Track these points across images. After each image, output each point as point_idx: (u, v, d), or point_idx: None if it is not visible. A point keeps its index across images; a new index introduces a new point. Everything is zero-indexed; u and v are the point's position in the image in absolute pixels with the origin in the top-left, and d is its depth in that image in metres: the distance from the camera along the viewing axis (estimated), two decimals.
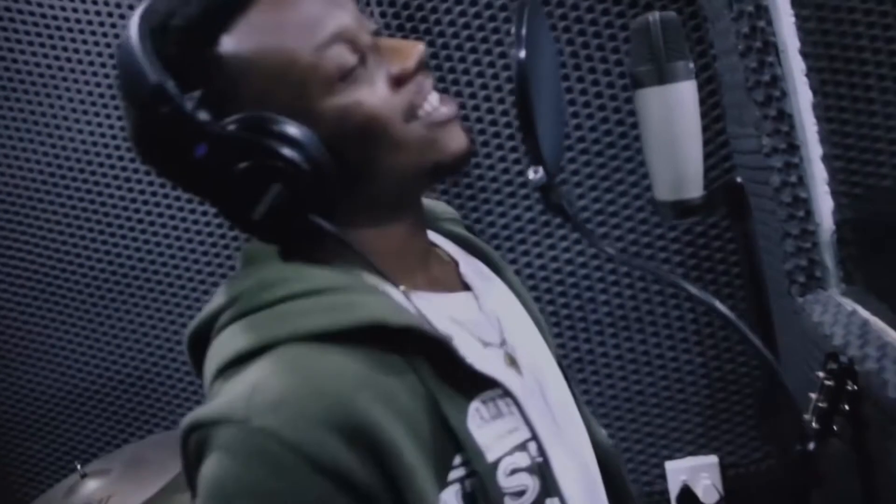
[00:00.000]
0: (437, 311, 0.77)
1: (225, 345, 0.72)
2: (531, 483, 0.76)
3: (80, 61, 2.29)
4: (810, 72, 1.63)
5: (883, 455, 1.18)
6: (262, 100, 0.71)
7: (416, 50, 0.76)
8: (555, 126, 0.84)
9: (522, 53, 0.73)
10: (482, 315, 0.84)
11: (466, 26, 2.00)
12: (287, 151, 0.68)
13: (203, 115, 0.68)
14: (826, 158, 1.65)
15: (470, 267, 0.90)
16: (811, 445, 1.35)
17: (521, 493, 0.75)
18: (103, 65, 2.28)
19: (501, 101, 2.01)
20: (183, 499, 1.85)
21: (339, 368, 0.68)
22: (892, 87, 1.67)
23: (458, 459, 0.71)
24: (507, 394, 0.77)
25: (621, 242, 2.00)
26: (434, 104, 0.77)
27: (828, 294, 1.64)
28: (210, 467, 0.66)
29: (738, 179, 0.79)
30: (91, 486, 1.72)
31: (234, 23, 0.71)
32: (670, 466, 2.16)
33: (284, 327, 0.69)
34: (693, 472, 2.13)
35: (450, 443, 0.71)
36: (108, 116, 2.31)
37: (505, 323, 0.86)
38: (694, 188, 0.80)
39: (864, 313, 1.49)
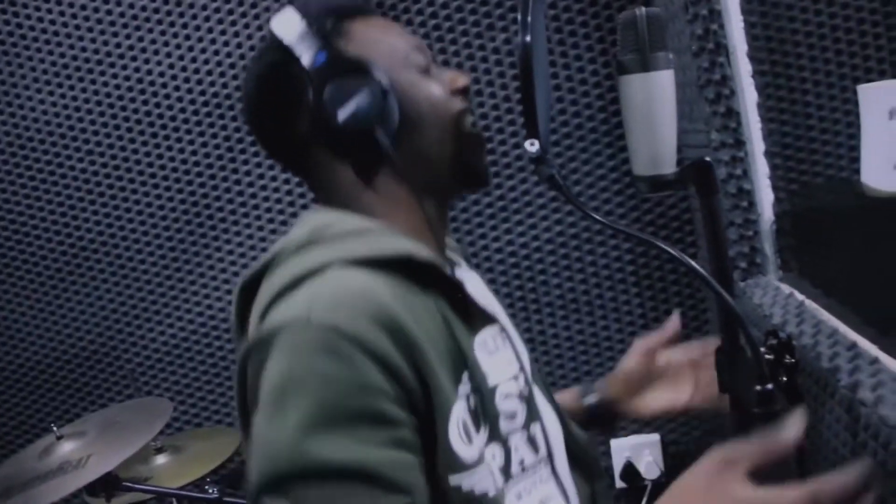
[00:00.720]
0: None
1: (282, 273, 0.84)
2: (520, 408, 0.90)
3: (44, 30, 2.28)
4: (756, 73, 1.76)
5: (817, 421, 1.30)
6: (367, 59, 0.92)
7: (466, 76, 1.00)
8: (545, 105, 0.94)
9: (528, 38, 0.83)
10: (478, 295, 0.98)
11: (460, 10, 2.09)
12: (377, 75, 0.89)
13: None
14: (768, 154, 1.78)
15: (462, 269, 1.06)
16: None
17: (513, 416, 0.89)
18: (68, 35, 2.28)
19: (489, 80, 2.12)
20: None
21: (379, 283, 0.80)
22: (827, 93, 1.81)
23: (465, 376, 0.84)
24: (503, 330, 0.91)
25: (600, 213, 2.12)
26: (470, 119, 0.98)
27: (767, 279, 1.77)
28: (275, 364, 0.76)
29: (707, 158, 0.89)
30: (67, 447, 1.75)
31: (360, 16, 0.97)
32: (615, 444, 2.28)
33: (334, 254, 0.83)
34: (636, 449, 2.24)
35: (459, 361, 0.84)
36: (71, 88, 2.31)
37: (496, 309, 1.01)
38: (668, 165, 0.89)
39: (800, 296, 1.62)
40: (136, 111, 2.29)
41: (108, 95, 2.30)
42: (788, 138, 1.83)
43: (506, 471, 0.86)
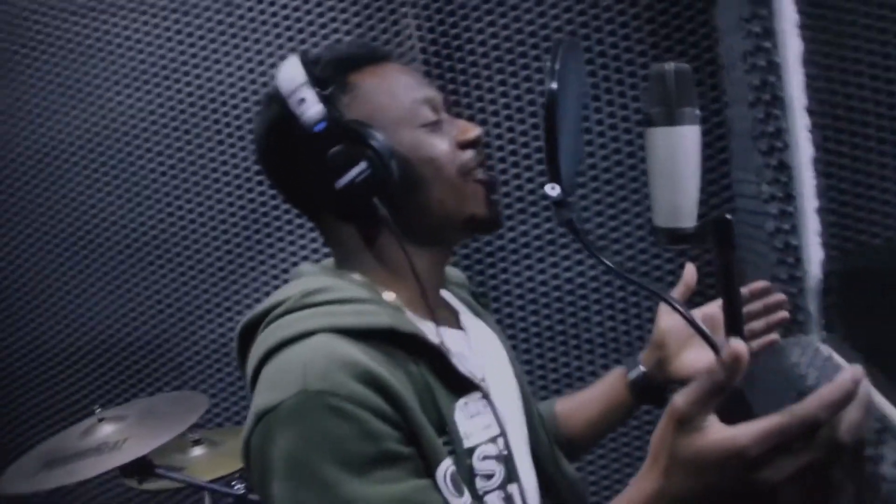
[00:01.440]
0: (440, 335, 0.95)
1: (273, 333, 0.88)
2: (498, 469, 0.92)
3: (127, 37, 2.41)
4: (814, 128, 1.73)
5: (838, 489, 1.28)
6: (370, 117, 0.94)
7: (476, 129, 1.00)
8: (573, 152, 0.96)
9: (554, 85, 0.85)
10: (470, 352, 1.01)
11: (496, 48, 2.13)
12: (375, 144, 0.91)
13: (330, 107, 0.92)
14: (820, 211, 1.74)
15: (467, 320, 1.10)
16: None
17: (490, 476, 0.91)
18: (148, 42, 2.40)
19: (523, 129, 2.14)
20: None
21: (363, 351, 0.84)
22: (889, 151, 1.78)
23: (443, 440, 0.87)
24: (485, 397, 0.94)
25: (619, 257, 2.12)
26: (480, 171, 0.99)
27: (808, 339, 1.73)
28: (284, 438, 0.80)
29: (728, 216, 0.89)
30: (107, 429, 1.85)
31: (369, 67, 0.97)
32: None
33: (322, 322, 0.87)
34: None
35: (439, 427, 0.87)
36: (147, 92, 2.43)
37: (487, 367, 1.03)
38: (688, 219, 0.90)
39: (840, 360, 1.59)
40: (205, 118, 2.39)
41: (181, 101, 2.40)
42: (845, 196, 1.80)
43: None
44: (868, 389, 0.65)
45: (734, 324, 0.94)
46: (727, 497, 0.66)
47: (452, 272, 1.21)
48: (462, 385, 0.93)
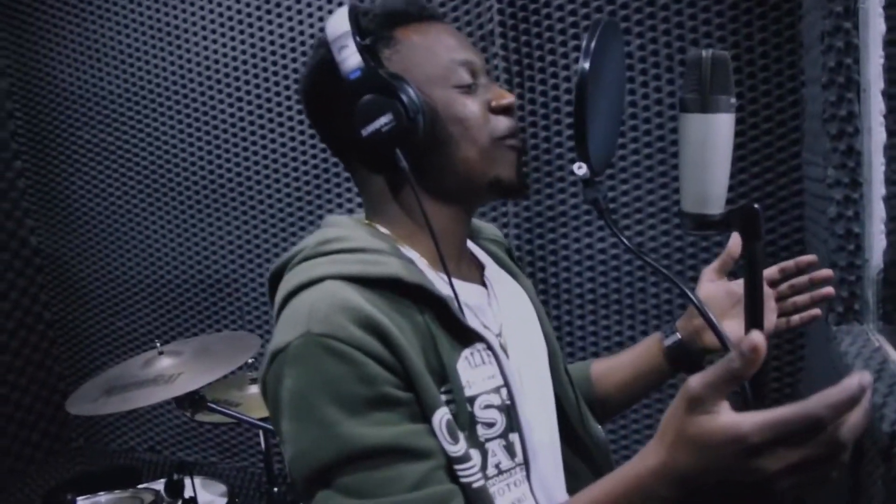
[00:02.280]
0: (452, 287, 0.96)
1: (290, 279, 0.94)
2: (500, 418, 0.95)
3: None
4: (890, 113, 1.68)
5: (869, 479, 1.28)
6: (407, 71, 0.96)
7: (510, 95, 1.01)
8: (608, 133, 0.97)
9: (587, 65, 0.86)
10: (489, 308, 1.04)
11: (573, 14, 2.12)
12: (404, 97, 0.93)
13: (368, 57, 0.94)
14: (888, 199, 1.70)
15: (494, 275, 1.11)
16: None
17: (491, 424, 0.95)
18: None
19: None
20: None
21: (367, 299, 0.88)
22: None
23: (444, 388, 0.91)
24: (489, 348, 0.96)
25: (650, 239, 2.11)
26: (510, 138, 1.00)
27: (862, 328, 1.70)
28: (290, 377, 0.85)
29: (756, 206, 0.89)
30: (165, 362, 1.97)
31: (415, 24, 0.99)
32: None
33: (331, 269, 0.91)
34: None
35: (440, 374, 0.91)
36: (232, 38, 2.51)
37: (505, 314, 1.06)
38: (715, 206, 0.91)
39: (890, 352, 1.56)
40: (284, 66, 2.47)
41: (262, 50, 2.48)
42: None
43: (482, 471, 0.92)
44: (870, 397, 0.66)
45: (754, 313, 0.95)
46: (725, 479, 0.67)
47: (488, 228, 1.23)
48: (467, 336, 0.95)
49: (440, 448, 0.87)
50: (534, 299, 1.15)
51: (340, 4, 2.37)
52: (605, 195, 0.94)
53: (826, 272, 1.23)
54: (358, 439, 0.82)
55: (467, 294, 1.00)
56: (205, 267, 2.69)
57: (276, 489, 2.20)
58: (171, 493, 1.82)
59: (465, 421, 0.91)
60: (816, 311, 1.25)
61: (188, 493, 1.87)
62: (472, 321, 0.96)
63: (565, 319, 2.25)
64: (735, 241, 1.22)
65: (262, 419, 1.88)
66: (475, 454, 0.92)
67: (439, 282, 0.96)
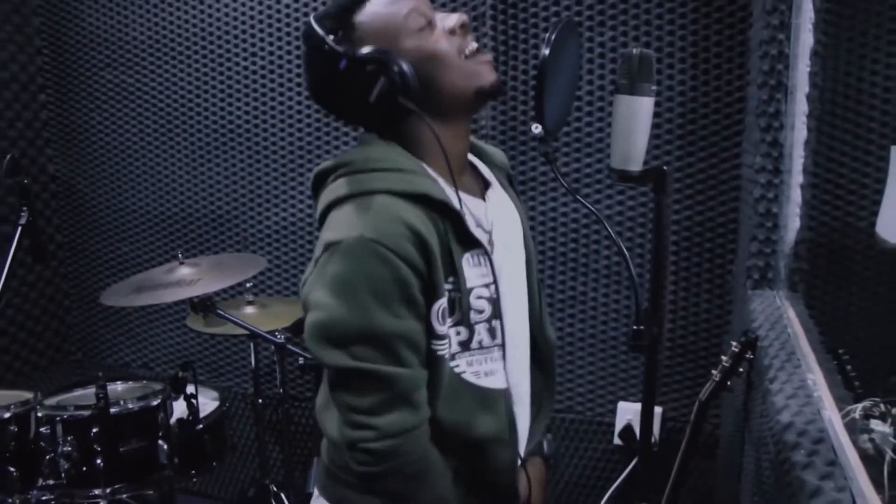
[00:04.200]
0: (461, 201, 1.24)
1: (339, 188, 1.20)
2: (487, 307, 1.24)
3: None
4: (811, 114, 1.99)
5: (759, 407, 1.60)
6: (377, 42, 1.19)
7: (460, 16, 1.24)
8: (562, 105, 1.26)
9: (547, 51, 1.15)
10: (485, 216, 1.31)
11: (556, 3, 2.40)
12: (386, 59, 1.16)
13: (346, 48, 1.18)
14: (804, 187, 2.01)
15: (496, 192, 1.37)
16: (705, 395, 1.80)
17: (481, 311, 1.24)
18: None
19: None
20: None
21: (407, 209, 1.15)
22: (875, 150, 2.02)
23: (451, 279, 1.19)
24: (485, 253, 1.24)
25: (599, 196, 2.43)
26: (474, 49, 1.23)
27: (772, 293, 2.02)
28: (337, 265, 1.12)
29: (664, 167, 1.20)
30: (185, 270, 2.27)
31: (363, 5, 1.21)
32: (622, 406, 2.60)
33: (375, 184, 1.17)
34: (638, 415, 2.54)
35: (450, 267, 1.19)
36: (250, 0, 2.78)
37: (497, 226, 1.32)
38: (635, 164, 1.20)
39: (790, 313, 1.88)
40: (297, 28, 2.74)
41: (278, 11, 2.75)
42: (829, 175, 2.06)
43: (467, 344, 1.23)
44: None
45: (658, 256, 1.25)
46: None
47: (497, 154, 1.46)
48: (471, 242, 1.21)
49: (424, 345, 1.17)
50: (522, 217, 1.42)
51: None
52: (554, 150, 1.24)
53: None
54: (374, 323, 1.11)
55: (470, 205, 1.26)
56: (209, 202, 2.98)
57: (259, 400, 2.51)
58: (175, 389, 2.12)
59: (465, 306, 1.20)
60: None
61: (189, 392, 2.17)
62: (475, 230, 1.23)
63: None
64: None
65: (256, 331, 2.19)
66: (463, 332, 1.22)
67: (452, 194, 1.23)
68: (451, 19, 1.23)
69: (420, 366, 1.18)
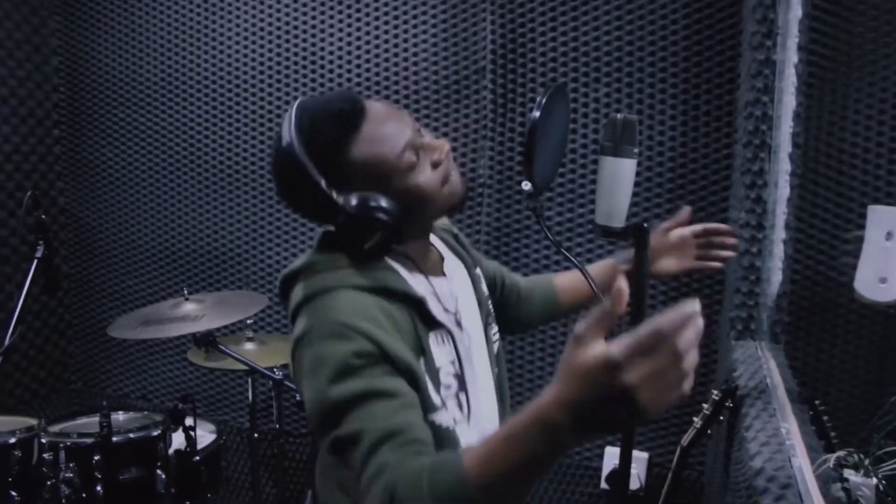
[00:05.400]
0: (425, 286, 1.31)
1: (304, 289, 1.25)
2: (454, 382, 1.30)
3: None
4: (793, 174, 2.08)
5: (735, 454, 1.66)
6: (367, 180, 1.24)
7: (445, 147, 1.29)
8: (550, 163, 1.35)
9: (537, 114, 1.25)
10: (450, 293, 1.36)
11: (554, 52, 2.52)
12: (384, 217, 1.22)
13: (337, 196, 1.23)
14: (786, 242, 2.10)
15: (450, 262, 1.44)
16: (686, 441, 1.87)
17: (448, 386, 1.29)
18: (269, 6, 2.86)
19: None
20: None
21: (367, 301, 1.21)
22: (855, 209, 2.11)
23: (422, 360, 1.24)
24: (449, 333, 1.31)
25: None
26: (454, 175, 1.30)
27: (754, 343, 2.09)
28: (306, 354, 1.18)
29: (645, 224, 1.28)
30: (190, 306, 2.35)
31: (352, 136, 1.23)
32: (609, 450, 2.65)
33: (344, 281, 1.23)
34: None
35: (419, 349, 1.24)
36: (261, 46, 2.89)
37: (460, 301, 1.39)
38: (618, 221, 1.28)
39: (771, 364, 1.95)
40: (304, 76, 2.85)
41: (287, 59, 2.87)
42: (811, 231, 2.15)
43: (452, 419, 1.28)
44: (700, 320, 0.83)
45: (639, 295, 1.34)
46: (605, 404, 0.81)
47: (442, 221, 1.49)
48: (435, 323, 1.28)
49: (411, 394, 1.18)
50: (472, 274, 1.48)
51: (358, 31, 2.76)
52: (542, 206, 1.32)
53: (732, 240, 1.64)
54: (343, 392, 1.13)
55: (436, 285, 1.33)
56: (213, 240, 3.06)
57: (255, 435, 2.57)
58: (174, 421, 2.19)
59: (436, 383, 1.25)
60: (718, 264, 1.65)
61: (188, 424, 2.23)
62: (439, 313, 1.28)
63: None
64: (685, 212, 1.61)
65: (255, 367, 2.26)
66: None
67: (417, 281, 1.29)
68: (437, 150, 1.28)
69: (409, 410, 1.18)
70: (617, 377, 0.78)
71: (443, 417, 1.24)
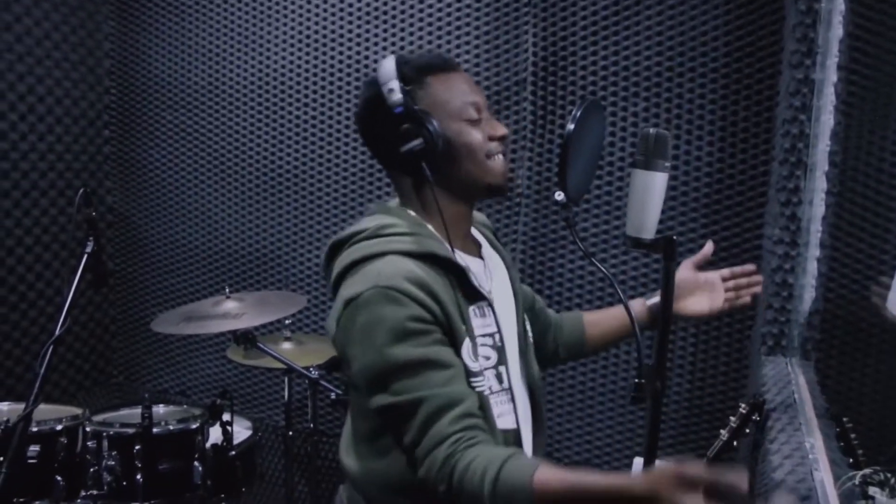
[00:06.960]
0: (462, 260, 1.38)
1: (352, 254, 1.33)
2: (493, 354, 1.36)
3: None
4: (829, 193, 2.09)
5: (761, 465, 1.68)
6: (433, 109, 1.35)
7: (504, 128, 1.40)
8: (584, 174, 1.38)
9: (572, 126, 1.28)
10: (485, 275, 1.43)
11: (594, 65, 2.55)
12: (430, 127, 1.32)
13: (406, 99, 1.33)
14: (819, 260, 2.10)
15: (487, 250, 1.50)
16: (713, 452, 1.88)
17: (488, 358, 1.35)
18: (316, 14, 2.94)
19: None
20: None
21: (414, 266, 1.28)
22: (892, 228, 2.11)
23: (463, 328, 1.30)
24: (489, 305, 1.37)
25: (626, 256, 2.53)
26: (500, 156, 1.40)
27: (784, 360, 2.10)
28: (361, 316, 1.24)
29: (675, 237, 1.31)
30: (230, 304, 2.43)
31: (441, 73, 1.38)
32: (637, 461, 2.66)
33: (385, 247, 1.31)
34: None
35: (461, 319, 1.31)
36: (307, 54, 2.97)
37: (495, 285, 1.45)
38: (648, 233, 1.31)
39: (800, 380, 1.96)
40: (348, 83, 2.92)
41: (332, 66, 2.95)
42: (847, 250, 2.15)
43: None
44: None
45: (666, 306, 1.36)
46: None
47: (479, 217, 1.57)
48: (476, 295, 1.35)
49: (460, 363, 1.27)
50: (509, 266, 1.53)
51: (402, 40, 2.82)
52: (574, 216, 1.36)
53: (758, 277, 1.66)
54: (397, 357, 1.22)
55: (470, 264, 1.39)
56: (255, 241, 3.15)
57: (290, 433, 2.63)
58: (212, 415, 2.25)
59: (474, 352, 1.31)
60: (748, 300, 1.67)
61: (225, 419, 2.30)
62: (478, 284, 1.36)
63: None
64: (708, 247, 1.65)
65: (292, 366, 2.32)
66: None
67: (457, 255, 1.36)
68: (498, 129, 1.40)
69: (462, 380, 1.26)
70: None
71: (481, 385, 1.31)
